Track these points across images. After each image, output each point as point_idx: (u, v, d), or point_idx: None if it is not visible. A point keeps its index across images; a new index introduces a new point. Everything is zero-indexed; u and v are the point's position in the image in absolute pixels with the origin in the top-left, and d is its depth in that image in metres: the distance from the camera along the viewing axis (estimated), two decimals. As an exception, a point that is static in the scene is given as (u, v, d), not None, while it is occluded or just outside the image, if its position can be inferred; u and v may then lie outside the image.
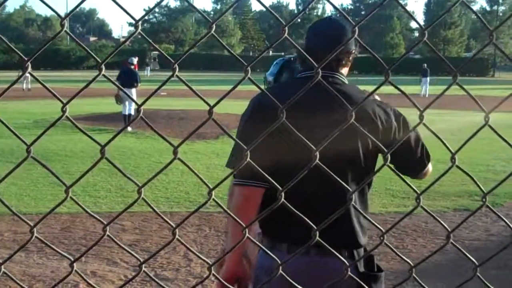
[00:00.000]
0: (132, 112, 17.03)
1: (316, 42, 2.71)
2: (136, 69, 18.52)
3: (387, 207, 8.62)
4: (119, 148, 12.82)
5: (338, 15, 3.40)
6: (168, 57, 1.13)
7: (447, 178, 10.05)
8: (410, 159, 2.84)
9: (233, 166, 3.83)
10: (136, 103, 1.13)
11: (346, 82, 2.74)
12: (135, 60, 18.53)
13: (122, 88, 4.64)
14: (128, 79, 16.76)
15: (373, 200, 8.63)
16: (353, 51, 2.76)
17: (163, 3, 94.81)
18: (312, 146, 1.22)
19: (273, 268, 2.68)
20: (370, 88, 2.28)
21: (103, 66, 1.04)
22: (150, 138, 14.71)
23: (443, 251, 6.38)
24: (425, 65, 36.73)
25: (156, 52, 77.87)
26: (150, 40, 1.14)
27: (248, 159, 1.18)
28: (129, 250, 1.25)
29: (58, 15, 1.03)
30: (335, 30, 2.74)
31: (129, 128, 15.80)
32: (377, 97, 2.75)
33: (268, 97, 2.62)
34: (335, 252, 1.48)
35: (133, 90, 16.56)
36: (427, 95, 33.11)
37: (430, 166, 2.97)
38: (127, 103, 17.06)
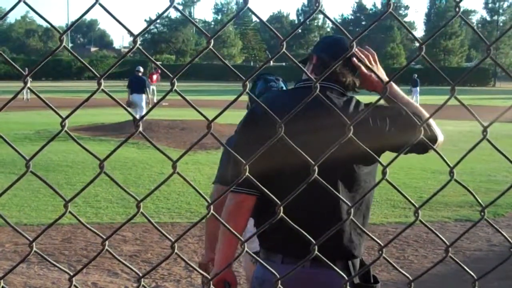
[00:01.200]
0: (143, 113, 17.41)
1: (326, 57, 2.74)
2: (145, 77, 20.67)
3: (388, 217, 8.61)
4: (120, 159, 12.82)
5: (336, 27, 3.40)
6: (167, 72, 1.13)
7: (448, 189, 9.97)
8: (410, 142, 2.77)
9: (219, 181, 3.90)
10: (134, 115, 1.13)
11: (345, 92, 2.73)
12: (141, 68, 20.21)
13: (131, 93, 4.69)
14: (138, 85, 19.06)
15: (374, 210, 8.62)
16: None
17: (164, 14, 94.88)
18: (311, 161, 1.22)
19: (267, 278, 2.70)
20: (368, 99, 2.28)
21: (102, 81, 1.04)
22: (151, 149, 14.70)
23: (445, 262, 6.35)
24: (416, 75, 38.21)
25: (158, 63, 77.87)
26: (149, 56, 1.14)
27: (247, 172, 1.18)
28: (128, 265, 1.25)
29: (57, 30, 1.03)
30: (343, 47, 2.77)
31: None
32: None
33: (261, 107, 2.65)
34: (330, 264, 1.48)
35: (143, 96, 18.96)
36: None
37: (438, 136, 2.77)
38: (137, 108, 18.76)
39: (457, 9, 1.20)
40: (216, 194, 3.87)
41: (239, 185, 2.63)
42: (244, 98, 1.30)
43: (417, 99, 35.46)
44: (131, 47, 1.11)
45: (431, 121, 2.69)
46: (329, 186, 1.29)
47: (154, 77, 33.72)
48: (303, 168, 1.51)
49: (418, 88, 36.78)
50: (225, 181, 3.57)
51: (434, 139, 2.71)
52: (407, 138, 2.53)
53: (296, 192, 1.28)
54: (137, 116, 17.18)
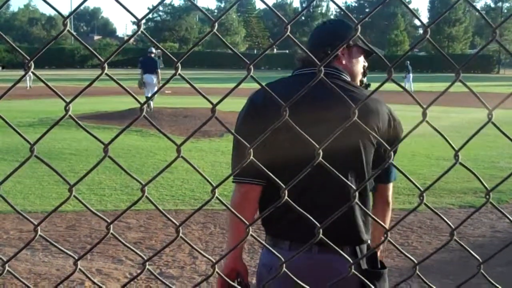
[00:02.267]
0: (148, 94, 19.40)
1: (318, 40, 2.77)
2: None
3: (392, 204, 8.60)
4: (124, 146, 12.83)
5: (341, 13, 3.43)
6: (171, 56, 1.13)
7: (452, 175, 10.04)
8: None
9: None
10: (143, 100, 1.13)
11: (346, 76, 2.73)
12: (153, 49, 20.77)
13: (144, 73, 4.89)
14: (149, 66, 19.84)
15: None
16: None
17: (167, 1, 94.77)
18: (315, 144, 1.22)
19: (275, 265, 2.70)
20: (374, 85, 2.27)
21: (105, 65, 1.04)
22: (155, 136, 14.71)
23: (448, 248, 6.37)
24: (408, 62, 38.87)
25: (159, 51, 77.97)
26: (153, 39, 1.14)
27: (251, 157, 1.18)
28: (133, 248, 1.25)
29: (61, 14, 1.03)
30: (339, 28, 2.79)
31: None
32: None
33: (261, 94, 2.64)
34: (338, 249, 1.48)
35: (153, 76, 19.61)
36: (413, 89, 34.21)
37: (391, 189, 2.99)
38: (150, 88, 19.62)
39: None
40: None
41: (243, 175, 2.64)
42: (247, 84, 1.29)
43: (410, 86, 35.98)
44: (134, 32, 1.11)
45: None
46: (334, 170, 1.29)
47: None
48: (308, 155, 1.51)
49: (411, 75, 37.64)
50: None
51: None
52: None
53: (301, 175, 1.27)
54: (148, 95, 18.01)
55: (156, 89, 19.21)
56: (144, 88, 19.63)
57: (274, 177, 1.29)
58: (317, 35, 2.84)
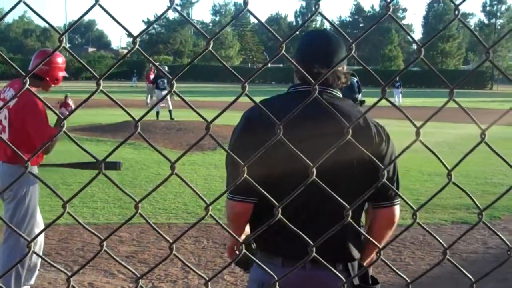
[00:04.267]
0: (159, 110, 22.39)
1: (310, 56, 2.73)
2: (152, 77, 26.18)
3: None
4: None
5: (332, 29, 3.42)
6: (166, 74, 1.14)
7: (445, 191, 9.96)
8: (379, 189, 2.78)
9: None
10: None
11: (340, 96, 2.75)
12: (166, 67, 24.69)
13: (156, 88, 5.19)
14: (162, 82, 23.75)
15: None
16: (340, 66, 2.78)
17: (163, 16, 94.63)
18: (309, 162, 1.23)
19: (267, 281, 2.70)
20: (368, 101, 2.28)
21: (101, 82, 1.04)
22: (148, 149, 14.69)
23: (441, 264, 6.35)
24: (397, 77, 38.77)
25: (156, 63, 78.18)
26: (149, 58, 1.14)
27: (244, 175, 1.18)
28: (126, 265, 1.25)
29: (57, 31, 1.03)
30: (330, 45, 2.77)
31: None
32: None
33: (257, 112, 2.64)
34: (330, 266, 1.48)
35: (165, 92, 22.75)
36: (402, 104, 34.61)
37: (396, 207, 2.80)
38: (168, 100, 22.61)
39: (456, 12, 1.20)
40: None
41: (236, 193, 2.65)
42: (242, 99, 1.30)
43: (399, 100, 36.40)
44: (129, 48, 1.11)
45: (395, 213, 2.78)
46: (327, 188, 1.29)
47: (151, 77, 33.93)
48: (302, 173, 1.51)
49: (400, 89, 38.37)
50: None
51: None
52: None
53: (295, 193, 1.28)
54: (158, 110, 21.20)
55: (169, 103, 23.10)
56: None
57: (269, 196, 1.29)
58: (317, 49, 2.78)
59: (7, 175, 5.22)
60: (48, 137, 5.03)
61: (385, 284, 6.07)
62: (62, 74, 5.61)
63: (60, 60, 5.57)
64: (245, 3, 1.02)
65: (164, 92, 22.73)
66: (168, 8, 1.05)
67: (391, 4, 1.18)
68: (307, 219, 2.53)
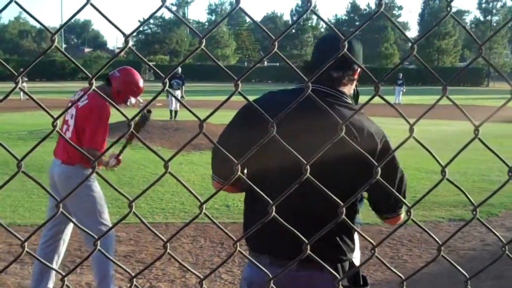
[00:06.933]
0: (178, 108, 23.39)
1: (319, 58, 2.73)
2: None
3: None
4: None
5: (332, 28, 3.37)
6: (159, 72, 1.14)
7: (442, 188, 10.02)
8: (383, 198, 2.74)
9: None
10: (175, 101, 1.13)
11: (348, 100, 2.69)
12: (179, 70, 24.69)
13: (170, 89, 5.02)
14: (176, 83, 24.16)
15: (368, 211, 8.62)
16: (357, 70, 2.73)
17: (158, 14, 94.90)
18: (303, 160, 1.22)
19: (255, 280, 2.70)
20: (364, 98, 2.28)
21: (93, 81, 1.04)
22: (145, 149, 14.65)
23: (438, 261, 6.36)
24: (401, 75, 39.08)
25: (150, 63, 78.39)
26: (141, 55, 1.14)
27: (239, 172, 1.18)
28: (120, 264, 1.25)
29: (48, 30, 1.03)
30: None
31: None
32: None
33: (257, 103, 2.64)
34: (321, 264, 1.47)
35: (178, 92, 23.65)
36: (401, 103, 34.85)
37: (401, 216, 2.79)
38: (173, 100, 23.43)
39: (448, 9, 1.20)
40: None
41: (223, 177, 2.70)
42: (237, 97, 1.30)
43: (399, 98, 36.55)
44: (122, 48, 1.11)
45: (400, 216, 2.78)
46: (321, 185, 1.29)
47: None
48: (293, 168, 1.51)
49: (402, 88, 38.22)
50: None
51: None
52: (379, 190, 2.54)
53: (287, 193, 1.28)
54: (172, 108, 22.45)
55: (173, 103, 23.89)
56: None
57: (260, 191, 1.29)
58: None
59: (66, 176, 5.24)
60: (96, 145, 5.17)
61: (382, 281, 6.07)
62: (133, 99, 5.63)
63: (140, 86, 5.64)
64: (237, 1, 1.02)
65: (178, 92, 23.65)
66: (160, 7, 1.05)
67: (383, 1, 1.18)
68: (295, 218, 2.50)
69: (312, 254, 1.32)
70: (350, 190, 2.49)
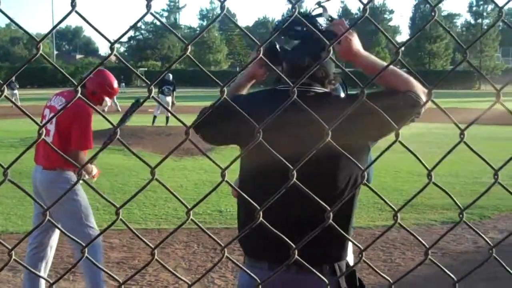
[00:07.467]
0: (169, 114, 23.49)
1: (295, 56, 2.68)
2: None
3: (375, 220, 8.62)
4: (106, 166, 12.77)
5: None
6: (144, 79, 1.14)
7: (434, 191, 10.04)
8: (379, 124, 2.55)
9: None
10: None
11: (317, 89, 2.64)
12: (170, 76, 25.07)
13: (159, 94, 5.13)
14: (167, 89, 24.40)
15: (361, 214, 8.64)
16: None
17: (149, 20, 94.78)
18: (290, 166, 1.23)
19: (252, 286, 2.69)
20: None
21: (79, 89, 1.04)
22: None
23: (431, 264, 6.36)
24: None
25: (142, 69, 78.59)
26: (126, 63, 1.14)
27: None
28: (108, 271, 1.25)
29: (33, 38, 1.03)
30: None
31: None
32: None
33: (241, 103, 2.63)
34: (315, 270, 1.48)
35: (169, 98, 23.75)
36: None
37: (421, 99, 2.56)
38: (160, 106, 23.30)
39: (432, 14, 1.21)
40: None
41: (204, 134, 2.59)
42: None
43: None
44: (117, 54, 1.12)
45: (414, 84, 2.48)
46: (308, 191, 1.30)
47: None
48: (280, 170, 1.50)
49: None
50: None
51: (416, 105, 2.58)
52: (378, 131, 2.46)
53: (274, 197, 1.28)
54: (156, 114, 22.21)
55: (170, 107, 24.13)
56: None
57: (249, 199, 1.30)
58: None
59: (48, 181, 5.23)
60: (84, 148, 5.35)
61: (376, 285, 6.08)
62: (108, 100, 5.72)
63: (115, 87, 5.76)
64: (222, 8, 1.03)
65: (169, 98, 23.72)
66: (145, 14, 1.05)
67: (367, 6, 1.18)
68: (290, 219, 2.49)
69: (301, 258, 1.32)
70: (343, 178, 2.50)
